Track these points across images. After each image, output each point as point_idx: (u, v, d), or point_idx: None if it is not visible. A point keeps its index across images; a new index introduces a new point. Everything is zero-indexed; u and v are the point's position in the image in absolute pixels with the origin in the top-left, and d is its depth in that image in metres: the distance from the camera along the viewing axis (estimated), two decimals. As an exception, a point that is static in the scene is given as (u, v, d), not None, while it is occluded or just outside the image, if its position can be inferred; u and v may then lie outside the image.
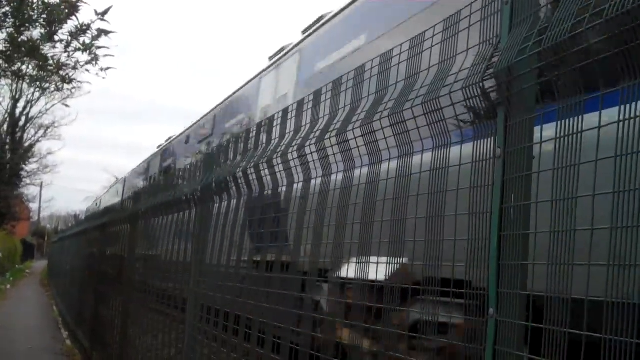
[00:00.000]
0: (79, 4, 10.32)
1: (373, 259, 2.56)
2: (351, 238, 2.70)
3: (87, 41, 10.62)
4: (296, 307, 3.12)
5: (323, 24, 9.48)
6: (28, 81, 13.65)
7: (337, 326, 2.85)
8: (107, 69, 11.08)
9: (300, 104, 3.29)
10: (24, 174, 49.46)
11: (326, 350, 2.79)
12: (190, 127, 16.97)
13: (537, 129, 1.82)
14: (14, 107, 44.24)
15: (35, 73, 12.38)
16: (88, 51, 10.70)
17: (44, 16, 10.44)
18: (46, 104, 48.07)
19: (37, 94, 42.30)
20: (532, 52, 1.75)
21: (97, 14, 10.30)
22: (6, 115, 43.77)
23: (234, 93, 13.45)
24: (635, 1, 1.41)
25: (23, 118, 46.26)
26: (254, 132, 3.89)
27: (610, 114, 1.50)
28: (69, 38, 10.69)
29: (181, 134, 18.05)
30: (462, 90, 1.97)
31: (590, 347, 1.51)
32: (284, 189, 3.38)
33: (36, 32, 10.95)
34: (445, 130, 2.14)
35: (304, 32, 10.32)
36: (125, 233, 7.95)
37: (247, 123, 11.75)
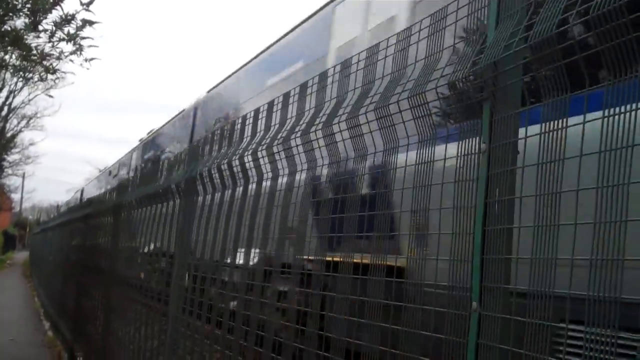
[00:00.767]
0: (63, -7, 10.26)
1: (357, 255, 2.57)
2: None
3: (72, 31, 10.56)
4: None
5: None
6: (11, 71, 13.56)
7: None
8: (92, 59, 11.03)
9: (286, 96, 3.29)
10: (6, 164, 49.21)
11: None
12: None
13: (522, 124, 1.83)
14: (-4, 96, 43.96)
15: (18, 63, 12.29)
16: (72, 41, 10.64)
17: (28, 5, 10.37)
18: (29, 94, 47.77)
19: (20, 84, 42.01)
20: (518, 48, 1.76)
21: (81, 4, 10.23)
22: (-12, 105, 43.50)
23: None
24: (621, -2, 1.42)
25: (5, 108, 45.97)
26: (239, 125, 3.88)
27: (596, 112, 1.51)
28: (53, 28, 10.62)
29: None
30: (448, 85, 1.98)
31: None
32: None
33: (20, 22, 10.87)
34: (431, 125, 2.14)
35: None
36: (108, 224, 7.92)
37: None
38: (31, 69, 12.45)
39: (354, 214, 2.59)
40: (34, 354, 10.58)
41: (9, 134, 48.49)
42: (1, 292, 22.04)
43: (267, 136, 3.36)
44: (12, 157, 52.41)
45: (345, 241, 2.65)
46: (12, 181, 62.92)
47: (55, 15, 10.47)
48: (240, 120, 3.89)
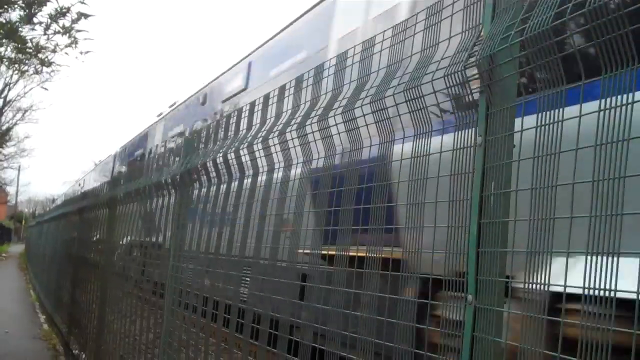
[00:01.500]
0: (58, -14, 10.24)
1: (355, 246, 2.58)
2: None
3: (67, 24, 10.54)
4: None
5: None
6: (6, 63, 13.52)
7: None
8: (87, 52, 11.04)
9: (282, 89, 3.29)
10: (1, 157, 49.11)
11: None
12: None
13: (518, 118, 1.83)
14: (-8, 89, 43.84)
15: (13, 55, 12.27)
16: (68, 34, 10.62)
17: (23, -3, 10.34)
18: (24, 87, 47.71)
19: (15, 77, 41.90)
20: (514, 41, 1.76)
21: (76, -4, 10.22)
22: (-17, 98, 43.36)
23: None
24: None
25: (0, 101, 45.88)
26: (234, 118, 3.88)
27: (592, 105, 1.51)
28: (49, 20, 10.61)
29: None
30: (444, 78, 1.98)
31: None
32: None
33: (15, 14, 10.85)
34: (427, 118, 2.14)
35: None
36: (104, 217, 7.92)
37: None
38: (26, 61, 12.43)
39: (349, 207, 2.60)
40: (29, 346, 10.57)
41: (4, 127, 48.40)
42: (-4, 285, 22.03)
43: (263, 129, 3.36)
44: (7, 150, 52.35)
45: (343, 234, 2.65)
46: (8, 174, 62.84)
47: (50, 7, 10.47)
48: (235, 114, 3.89)
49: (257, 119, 3.54)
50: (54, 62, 11.89)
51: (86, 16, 10.42)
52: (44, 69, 12.29)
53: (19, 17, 10.68)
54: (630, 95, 1.44)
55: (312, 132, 2.85)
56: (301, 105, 3.04)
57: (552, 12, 1.61)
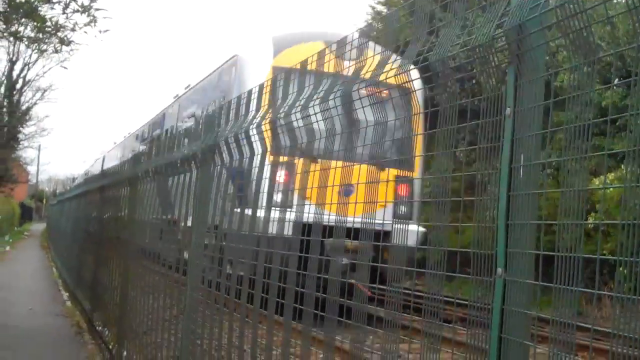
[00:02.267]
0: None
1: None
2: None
3: (86, 3, 10.54)
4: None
5: None
6: (26, 43, 13.57)
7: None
8: (106, 31, 11.03)
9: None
10: (21, 136, 49.38)
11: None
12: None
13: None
14: (11, 69, 43.96)
15: (33, 34, 12.29)
16: (87, 13, 10.62)
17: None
18: (44, 66, 47.82)
19: (34, 56, 42.01)
20: (545, 10, 1.72)
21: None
22: (3, 78, 43.53)
23: None
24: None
25: (20, 80, 46.02)
26: (256, 94, 3.87)
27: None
28: (68, -1, 10.61)
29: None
30: (473, 49, 1.95)
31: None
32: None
33: (34, -7, 10.86)
34: (455, 89, 2.12)
35: None
36: (125, 195, 7.94)
37: None
38: (46, 40, 12.45)
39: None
40: (52, 323, 10.68)
41: (24, 107, 48.60)
42: (19, 263, 22.25)
43: (285, 104, 3.35)
44: (27, 130, 52.62)
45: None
46: (28, 153, 63.29)
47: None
48: (245, 96, 3.91)
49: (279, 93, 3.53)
50: (73, 41, 11.92)
51: (104, -6, 10.42)
52: (63, 47, 12.30)
53: (38, -5, 10.71)
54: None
55: (336, 107, 2.84)
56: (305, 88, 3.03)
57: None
